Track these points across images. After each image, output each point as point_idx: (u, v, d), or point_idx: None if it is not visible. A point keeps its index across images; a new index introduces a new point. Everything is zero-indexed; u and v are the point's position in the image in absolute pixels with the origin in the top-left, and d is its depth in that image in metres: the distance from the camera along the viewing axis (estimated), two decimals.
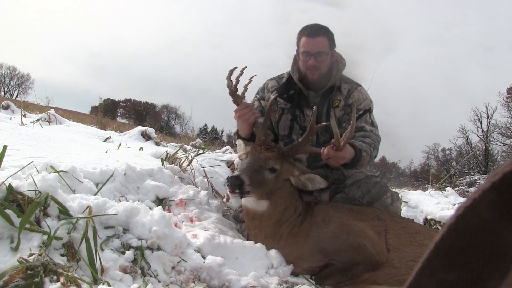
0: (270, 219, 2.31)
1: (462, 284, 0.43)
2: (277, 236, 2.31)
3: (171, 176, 2.80)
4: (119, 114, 54.21)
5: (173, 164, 3.10)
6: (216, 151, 5.05)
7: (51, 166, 2.05)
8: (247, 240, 2.41)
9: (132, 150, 3.71)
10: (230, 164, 3.80)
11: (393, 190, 2.88)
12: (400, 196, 2.86)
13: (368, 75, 3.43)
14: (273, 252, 2.25)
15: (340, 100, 2.71)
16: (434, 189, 5.01)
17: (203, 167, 3.37)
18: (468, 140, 30.69)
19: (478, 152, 29.11)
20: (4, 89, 49.43)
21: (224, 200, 3.09)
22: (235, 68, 2.53)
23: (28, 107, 7.12)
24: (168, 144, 4.98)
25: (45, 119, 4.98)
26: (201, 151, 3.79)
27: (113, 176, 2.35)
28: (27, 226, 1.53)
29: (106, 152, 3.25)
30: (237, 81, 2.51)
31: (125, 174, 2.45)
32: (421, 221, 3.72)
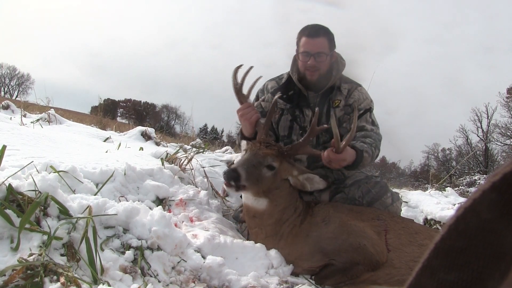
0: (270, 217, 2.31)
1: (462, 284, 0.43)
2: (277, 236, 2.31)
3: (171, 176, 2.80)
4: (119, 114, 54.25)
5: (173, 164, 3.10)
6: (216, 151, 5.05)
7: (51, 166, 2.05)
8: (247, 239, 2.42)
9: (132, 150, 3.71)
10: (230, 164, 3.79)
11: (393, 190, 2.88)
12: (400, 196, 2.86)
13: (368, 75, 3.43)
14: (273, 252, 2.26)
15: (340, 100, 2.71)
16: (434, 189, 5.01)
17: (203, 167, 3.37)
18: (468, 140, 30.73)
19: (478, 152, 29.12)
20: (4, 89, 49.51)
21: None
22: (241, 65, 2.53)
23: (28, 107, 7.12)
24: (168, 144, 4.98)
25: (45, 119, 4.98)
26: (200, 150, 3.78)
27: (113, 176, 2.35)
28: (27, 226, 1.53)
29: (106, 152, 3.25)
30: (243, 80, 2.52)
31: (125, 174, 2.46)
32: (421, 221, 3.72)
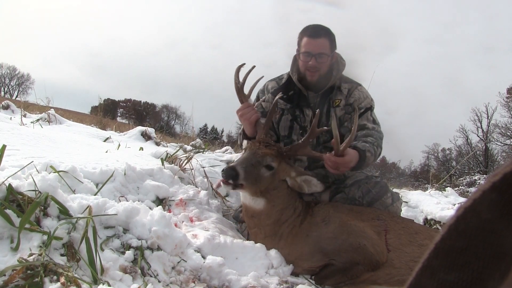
0: (268, 218, 2.31)
1: (462, 284, 0.43)
2: (277, 236, 2.31)
3: (171, 176, 2.81)
4: (119, 114, 54.27)
5: (173, 164, 3.10)
6: (216, 151, 5.05)
7: (51, 166, 2.05)
8: (247, 239, 2.42)
9: (132, 150, 3.71)
10: (231, 163, 3.79)
11: (393, 190, 2.88)
12: (400, 196, 2.85)
13: (368, 75, 3.43)
14: (273, 252, 2.26)
15: (341, 100, 2.71)
16: (434, 189, 5.01)
17: (203, 167, 3.37)
18: (468, 140, 30.74)
19: (478, 152, 29.12)
20: (4, 89, 49.51)
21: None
22: (244, 64, 2.53)
23: (28, 107, 7.12)
24: (168, 144, 4.98)
25: (45, 119, 4.98)
26: (200, 151, 3.78)
27: (113, 176, 2.35)
28: (27, 226, 1.53)
29: (106, 152, 3.25)
30: (244, 79, 2.52)
31: (125, 174, 2.46)
32: (421, 221, 3.71)
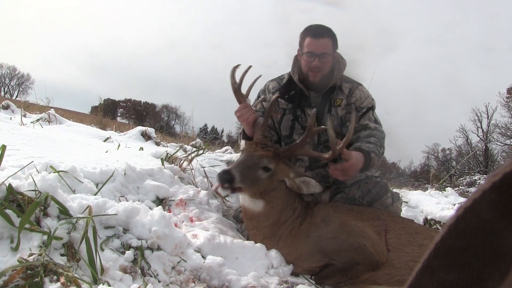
0: (267, 220, 2.31)
1: (462, 284, 0.43)
2: (276, 237, 2.31)
3: (171, 176, 2.80)
4: (119, 114, 54.25)
5: (173, 164, 3.10)
6: (216, 151, 5.05)
7: (51, 166, 2.05)
8: (247, 239, 2.41)
9: (132, 150, 3.71)
10: (230, 164, 3.79)
11: (393, 190, 2.88)
12: (400, 196, 2.86)
13: (368, 75, 3.43)
14: (273, 252, 2.25)
15: (342, 99, 2.72)
16: (434, 189, 5.01)
17: (203, 167, 3.37)
18: (468, 140, 30.74)
19: (478, 152, 29.13)
20: (4, 89, 49.49)
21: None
22: (239, 65, 2.53)
23: (28, 107, 7.12)
24: (168, 144, 4.98)
25: (45, 119, 4.98)
26: (200, 151, 3.78)
27: (113, 176, 2.35)
28: (27, 226, 1.53)
29: (106, 152, 3.25)
30: (241, 80, 2.52)
31: (125, 174, 2.46)
32: (421, 221, 3.72)
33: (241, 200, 2.40)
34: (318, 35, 2.61)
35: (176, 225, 2.23)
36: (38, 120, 4.89)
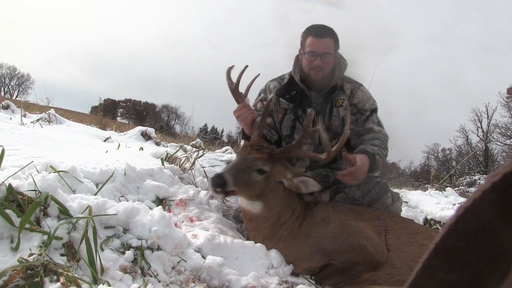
0: (266, 221, 2.30)
1: (462, 284, 0.43)
2: (275, 238, 2.30)
3: (171, 176, 2.80)
4: (119, 114, 54.25)
5: (173, 164, 3.10)
6: (216, 151, 5.05)
7: (51, 166, 2.05)
8: (247, 239, 2.41)
9: (132, 150, 3.71)
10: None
11: (393, 190, 2.88)
12: (400, 196, 2.86)
13: (368, 75, 3.43)
14: (273, 252, 2.25)
15: (344, 100, 2.72)
16: (434, 189, 5.01)
17: (203, 167, 3.37)
18: (468, 140, 30.74)
19: (478, 152, 29.13)
20: (4, 89, 49.50)
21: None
22: (233, 66, 2.54)
23: (28, 107, 7.12)
24: (168, 144, 4.98)
25: (45, 119, 4.98)
26: (201, 153, 3.78)
27: (113, 176, 2.35)
28: (27, 226, 1.53)
29: (106, 152, 3.25)
30: (238, 80, 2.52)
31: (125, 174, 2.46)
32: (421, 221, 3.71)
33: (239, 201, 2.40)
34: (320, 35, 2.61)
35: (176, 225, 2.23)
36: (38, 120, 4.89)
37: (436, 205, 3.82)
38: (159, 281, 1.78)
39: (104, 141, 4.34)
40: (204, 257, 1.98)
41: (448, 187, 4.99)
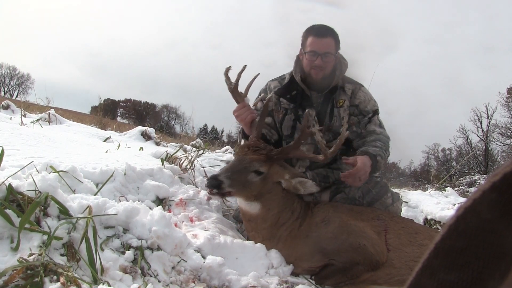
0: (264, 222, 2.30)
1: (462, 284, 0.43)
2: (275, 239, 2.30)
3: (171, 176, 2.80)
4: (119, 114, 54.22)
5: (173, 164, 3.10)
6: (216, 151, 5.05)
7: (51, 166, 2.05)
8: (247, 240, 2.41)
9: (132, 150, 3.71)
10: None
11: (393, 190, 2.89)
12: (400, 196, 2.86)
13: (368, 75, 3.43)
14: (273, 252, 2.25)
15: (345, 100, 2.72)
16: (434, 189, 5.01)
17: (203, 167, 3.37)
18: (468, 140, 30.74)
19: (478, 152, 29.12)
20: (4, 89, 49.46)
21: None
22: (230, 66, 2.54)
23: (28, 107, 7.11)
24: (168, 144, 4.98)
25: (45, 119, 4.98)
26: (201, 152, 3.78)
27: (113, 176, 2.35)
28: (27, 226, 1.53)
29: (106, 152, 3.25)
30: (237, 80, 2.52)
31: (125, 174, 2.46)
32: (421, 221, 3.71)
33: (238, 202, 2.40)
34: (321, 35, 2.62)
35: (176, 225, 2.23)
36: (38, 120, 4.89)
37: (436, 205, 3.82)
38: (159, 281, 1.78)
39: (104, 141, 4.34)
40: (204, 257, 1.98)
41: (448, 187, 4.99)
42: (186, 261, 1.93)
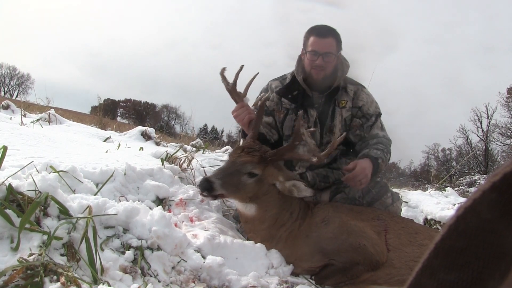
0: (262, 223, 2.29)
1: (462, 284, 0.43)
2: (274, 240, 2.29)
3: (171, 176, 2.80)
4: (119, 114, 54.18)
5: (173, 164, 3.10)
6: (216, 151, 5.05)
7: (51, 166, 2.05)
8: (247, 240, 2.41)
9: (132, 150, 3.71)
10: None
11: (393, 190, 2.89)
12: (400, 196, 2.86)
13: (368, 75, 3.43)
14: (273, 252, 2.25)
15: (347, 101, 2.72)
16: (434, 189, 5.01)
17: (203, 167, 3.37)
18: (468, 140, 30.73)
19: (478, 152, 29.12)
20: (4, 89, 49.41)
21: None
22: (225, 67, 2.54)
23: (28, 107, 7.11)
24: (168, 144, 4.98)
25: (45, 119, 4.98)
26: (200, 151, 3.78)
27: (113, 176, 2.35)
28: (27, 226, 1.53)
29: (106, 152, 3.25)
30: (235, 80, 2.52)
31: (125, 174, 2.45)
32: (421, 221, 3.72)
33: (235, 203, 2.40)
34: (322, 35, 2.62)
35: (176, 225, 2.23)
36: (38, 120, 4.89)
37: (436, 205, 3.82)
38: (159, 281, 1.78)
39: (104, 141, 4.34)
40: (204, 257, 1.98)
41: (448, 187, 4.99)
42: (186, 261, 1.93)
